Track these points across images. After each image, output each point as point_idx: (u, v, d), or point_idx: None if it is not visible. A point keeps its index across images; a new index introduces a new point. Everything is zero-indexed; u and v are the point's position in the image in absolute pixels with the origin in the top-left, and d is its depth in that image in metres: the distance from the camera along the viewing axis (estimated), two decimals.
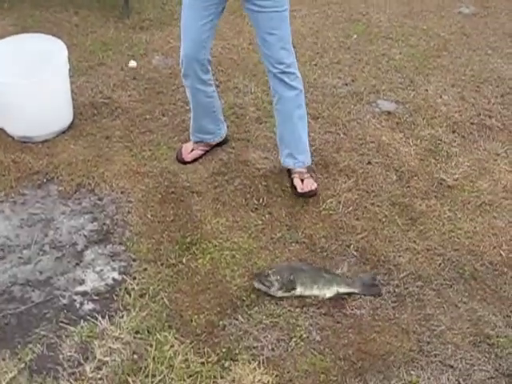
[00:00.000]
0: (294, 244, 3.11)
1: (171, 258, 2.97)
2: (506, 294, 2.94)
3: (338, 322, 2.76)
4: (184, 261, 2.97)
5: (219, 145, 3.62)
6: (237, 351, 2.60)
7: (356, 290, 2.87)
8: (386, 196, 3.42)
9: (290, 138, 3.33)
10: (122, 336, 2.62)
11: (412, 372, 2.59)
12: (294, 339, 2.67)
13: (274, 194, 3.37)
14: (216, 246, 3.05)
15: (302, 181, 3.34)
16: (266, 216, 3.24)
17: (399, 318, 2.80)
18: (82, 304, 2.76)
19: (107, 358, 2.54)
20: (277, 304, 2.81)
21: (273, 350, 2.63)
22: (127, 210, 3.22)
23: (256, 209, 3.28)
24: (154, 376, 2.48)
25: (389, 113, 4.05)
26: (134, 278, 2.87)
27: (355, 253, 3.08)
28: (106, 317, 2.69)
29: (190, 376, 2.50)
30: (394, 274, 2.99)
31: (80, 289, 2.83)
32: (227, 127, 3.64)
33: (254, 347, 2.63)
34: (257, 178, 3.45)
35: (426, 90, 4.29)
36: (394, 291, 2.91)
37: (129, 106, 3.94)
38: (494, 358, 2.66)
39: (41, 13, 4.91)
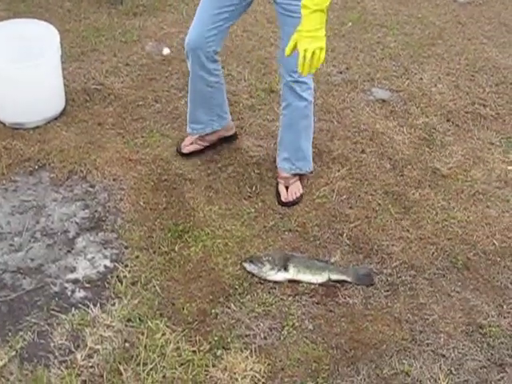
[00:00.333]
0: (286, 232, 3.10)
1: (163, 246, 2.96)
2: (499, 284, 2.94)
3: (330, 311, 2.75)
4: (176, 248, 2.95)
5: (226, 140, 3.54)
6: (229, 340, 2.60)
7: (349, 279, 2.87)
8: (379, 185, 3.41)
9: (290, 145, 3.26)
10: (114, 324, 2.61)
11: (404, 361, 2.59)
12: (286, 328, 2.67)
13: (267, 181, 3.36)
14: (208, 233, 3.04)
15: (287, 188, 3.27)
16: (259, 204, 3.23)
17: (392, 307, 2.79)
18: (73, 292, 2.75)
19: (98, 346, 2.53)
20: (269, 292, 2.80)
21: (265, 338, 2.63)
22: (119, 197, 3.20)
23: (249, 197, 3.27)
24: (145, 364, 2.48)
25: (383, 101, 4.03)
26: (126, 266, 2.86)
27: (348, 241, 3.07)
28: (98, 304, 2.68)
29: (182, 364, 2.49)
30: (386, 262, 2.98)
31: (71, 276, 2.81)
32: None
33: (246, 336, 2.63)
34: (250, 166, 3.44)
35: (421, 79, 4.27)
36: (387, 280, 2.91)
37: (121, 93, 3.91)
38: (486, 348, 2.67)
39: None
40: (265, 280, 2.84)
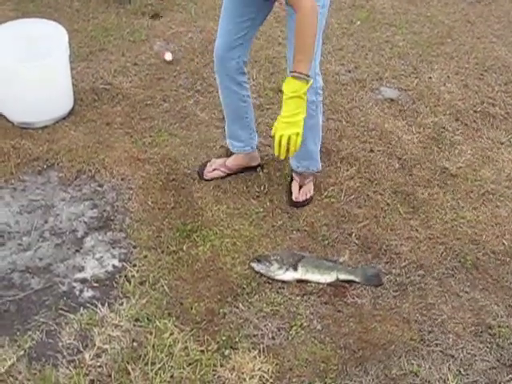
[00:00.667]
0: (295, 232, 3.09)
1: (171, 245, 2.96)
2: (508, 284, 2.92)
3: (338, 311, 2.75)
4: (184, 248, 2.95)
5: (253, 168, 3.42)
6: (237, 339, 2.60)
7: (357, 279, 2.86)
8: (388, 184, 3.40)
9: None
10: (122, 323, 2.61)
11: (413, 361, 2.58)
12: (294, 328, 2.66)
13: (276, 181, 3.35)
14: (217, 233, 3.04)
15: (300, 187, 3.26)
16: (267, 203, 3.22)
17: (400, 307, 2.79)
18: (81, 291, 2.75)
19: (107, 346, 2.53)
20: (277, 292, 2.80)
21: (273, 338, 2.63)
22: (127, 196, 3.21)
23: (257, 196, 3.26)
24: (153, 364, 2.48)
25: (392, 100, 4.02)
26: (134, 265, 2.86)
27: (357, 241, 3.06)
28: (106, 304, 2.69)
29: (190, 364, 2.49)
30: (395, 262, 2.97)
31: (80, 276, 2.82)
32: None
33: (254, 335, 2.63)
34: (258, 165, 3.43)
35: (430, 78, 4.26)
36: (396, 280, 2.90)
37: (130, 92, 3.91)
38: (495, 348, 2.66)
39: None
40: (273, 280, 2.84)
